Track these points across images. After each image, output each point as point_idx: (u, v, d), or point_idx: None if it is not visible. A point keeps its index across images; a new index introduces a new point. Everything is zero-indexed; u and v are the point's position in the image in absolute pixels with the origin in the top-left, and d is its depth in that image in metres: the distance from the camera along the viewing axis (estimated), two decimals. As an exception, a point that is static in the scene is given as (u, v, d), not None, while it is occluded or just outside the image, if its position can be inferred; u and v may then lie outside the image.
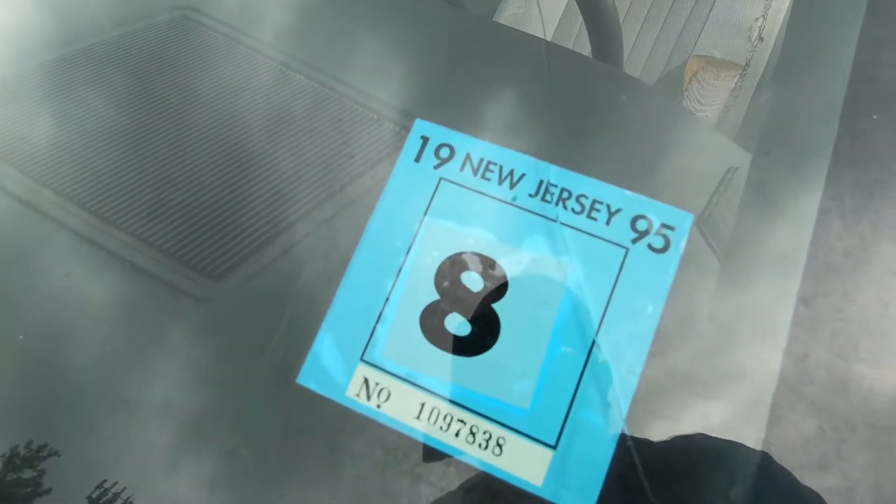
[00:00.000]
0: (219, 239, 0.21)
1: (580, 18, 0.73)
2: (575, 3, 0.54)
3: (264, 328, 0.19)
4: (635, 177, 0.18)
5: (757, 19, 1.05)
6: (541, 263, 0.17)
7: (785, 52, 0.22)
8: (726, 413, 0.16)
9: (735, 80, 1.12)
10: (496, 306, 0.17)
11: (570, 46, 0.88)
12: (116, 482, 0.18)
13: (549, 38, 0.92)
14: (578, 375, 0.16)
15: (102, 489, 0.18)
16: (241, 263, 0.21)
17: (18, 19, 0.38)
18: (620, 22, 0.98)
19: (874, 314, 0.17)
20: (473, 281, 0.17)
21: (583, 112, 0.22)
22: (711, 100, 1.16)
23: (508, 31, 0.29)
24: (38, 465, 0.18)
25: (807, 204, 0.17)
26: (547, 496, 0.16)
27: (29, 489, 0.18)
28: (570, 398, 0.16)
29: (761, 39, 1.05)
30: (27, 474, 0.18)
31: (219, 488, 0.17)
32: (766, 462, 0.16)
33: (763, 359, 0.16)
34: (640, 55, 1.06)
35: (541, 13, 0.81)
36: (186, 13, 0.36)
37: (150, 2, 0.37)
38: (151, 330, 0.21)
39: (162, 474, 0.18)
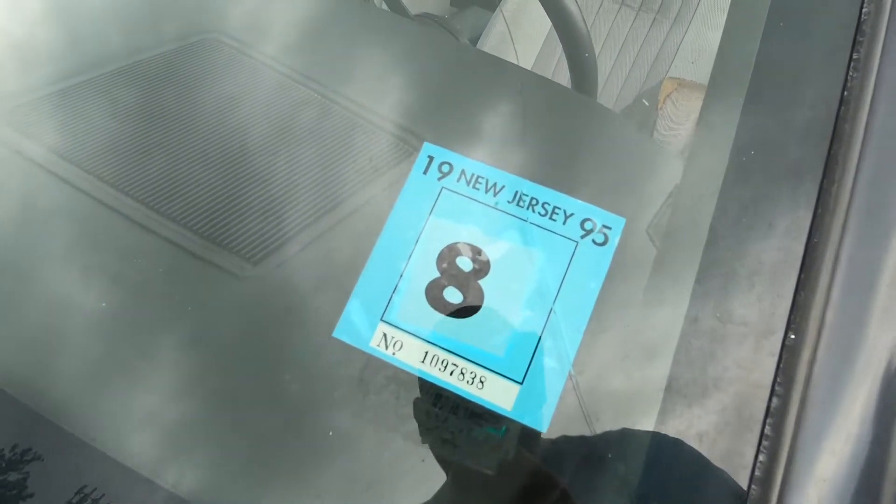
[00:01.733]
0: (263, 228, 0.27)
1: (558, 49, 0.80)
2: (554, 35, 0.60)
3: (308, 298, 0.25)
4: (585, 190, 0.25)
5: (727, 46, 1.13)
6: (515, 252, 0.24)
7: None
8: (645, 361, 0.23)
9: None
10: (481, 282, 0.24)
11: (549, 73, 0.96)
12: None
13: (530, 65, 0.99)
14: (540, 332, 0.23)
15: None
16: (282, 248, 0.27)
17: (70, 39, 0.44)
18: (599, 47, 1.05)
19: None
20: (465, 263, 0.24)
21: (551, 137, 0.29)
22: (683, 119, 1.24)
23: (502, 65, 0.35)
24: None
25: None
26: (515, 417, 0.22)
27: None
28: (533, 348, 0.23)
29: (731, 65, 1.13)
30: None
31: (276, 411, 0.23)
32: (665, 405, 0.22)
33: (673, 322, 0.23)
34: (618, 78, 1.13)
35: (514, 46, 0.88)
36: (217, 36, 0.42)
37: (185, 26, 0.43)
38: (206, 308, 0.27)
39: (232, 403, 0.24)
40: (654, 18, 1.18)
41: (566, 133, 0.30)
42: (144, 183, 0.32)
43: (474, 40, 1.02)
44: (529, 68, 0.97)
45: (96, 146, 0.35)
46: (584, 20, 0.57)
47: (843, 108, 0.24)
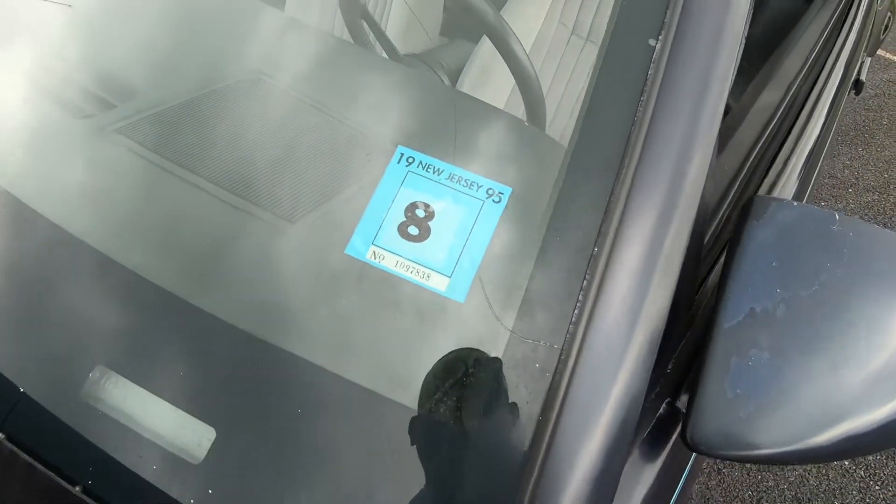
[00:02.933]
0: (302, 196, 0.45)
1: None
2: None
3: (330, 234, 0.43)
4: (492, 173, 0.43)
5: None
6: (448, 207, 0.42)
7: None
8: (512, 267, 0.41)
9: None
10: (430, 223, 0.42)
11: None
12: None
13: (506, 95, 1.17)
14: (461, 250, 0.41)
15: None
16: (314, 209, 0.45)
17: (139, 82, 0.60)
18: (552, 74, 1.23)
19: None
20: (420, 212, 0.42)
21: (475, 143, 0.48)
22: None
23: (463, 97, 0.53)
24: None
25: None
26: (446, 295, 0.40)
27: None
28: (457, 258, 0.41)
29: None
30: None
31: (310, 285, 0.41)
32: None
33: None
34: (569, 101, 1.33)
35: (492, 78, 1.07)
36: (259, 76, 0.60)
37: (231, 68, 0.60)
38: (257, 254, 0.45)
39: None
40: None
41: (488, 140, 0.49)
42: (223, 175, 0.50)
43: (459, 70, 1.21)
44: (505, 98, 1.16)
45: (182, 151, 0.53)
46: (531, 64, 0.76)
47: (633, 126, 0.42)
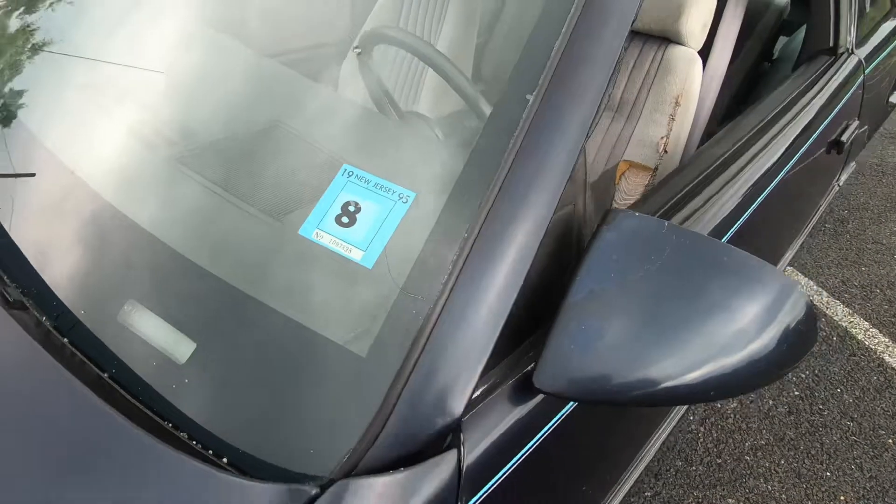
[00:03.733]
0: (278, 198, 0.65)
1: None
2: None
3: (293, 222, 0.62)
4: (404, 182, 0.61)
5: (662, 138, 1.50)
6: (372, 205, 0.60)
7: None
8: (409, 244, 0.58)
9: (648, 179, 1.56)
10: (357, 216, 0.60)
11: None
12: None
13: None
14: (374, 234, 0.59)
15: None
16: (292, 213, 0.64)
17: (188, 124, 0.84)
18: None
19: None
20: (353, 208, 0.60)
21: (399, 161, 0.66)
22: (633, 192, 1.60)
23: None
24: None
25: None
26: (360, 263, 0.57)
27: None
28: (372, 238, 0.58)
29: (665, 151, 1.49)
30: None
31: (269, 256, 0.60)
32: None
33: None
34: (588, 160, 1.51)
35: None
36: (277, 123, 0.82)
37: (253, 117, 0.81)
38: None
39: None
40: (613, 116, 1.57)
41: (408, 160, 0.67)
42: (239, 184, 0.71)
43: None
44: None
45: (213, 167, 0.75)
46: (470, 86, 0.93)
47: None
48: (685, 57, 1.44)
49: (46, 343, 0.58)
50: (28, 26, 0.91)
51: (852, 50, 1.48)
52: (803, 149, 1.21)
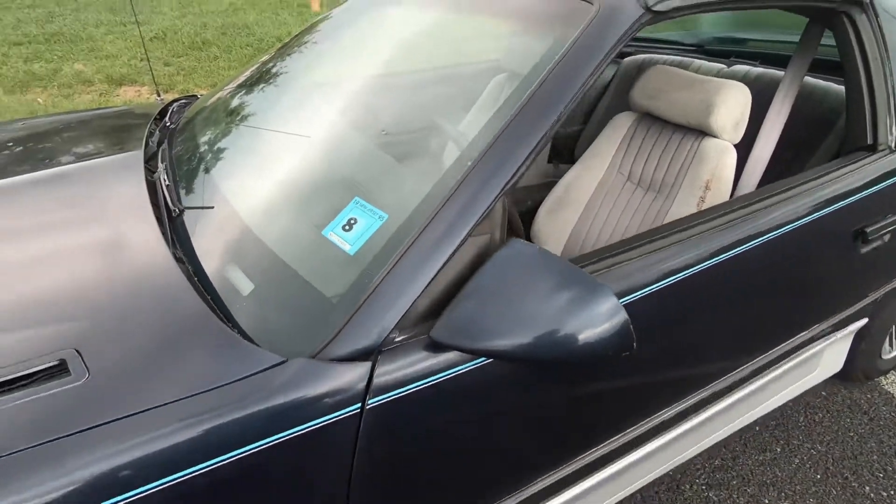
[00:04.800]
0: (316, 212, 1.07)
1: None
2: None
3: (320, 227, 1.03)
4: (384, 207, 0.99)
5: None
6: (363, 220, 0.99)
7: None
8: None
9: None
10: (354, 225, 0.99)
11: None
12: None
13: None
14: (360, 235, 0.97)
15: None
16: (324, 219, 1.06)
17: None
18: (609, 208, 1.76)
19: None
20: (353, 221, 1.00)
21: (386, 194, 1.04)
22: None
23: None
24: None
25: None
26: (348, 251, 0.95)
27: None
28: (357, 237, 0.96)
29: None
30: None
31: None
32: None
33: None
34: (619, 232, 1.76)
35: None
36: (350, 183, 1.26)
37: (336, 177, 1.28)
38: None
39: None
40: (655, 197, 1.82)
41: (390, 193, 1.05)
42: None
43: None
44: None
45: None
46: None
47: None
48: (717, 148, 1.65)
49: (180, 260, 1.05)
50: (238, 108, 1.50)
51: (895, 148, 1.55)
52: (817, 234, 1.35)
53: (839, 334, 1.79)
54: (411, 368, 0.88)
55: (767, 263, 1.33)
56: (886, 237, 1.52)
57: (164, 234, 1.14)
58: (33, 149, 1.70)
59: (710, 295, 1.24)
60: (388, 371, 0.87)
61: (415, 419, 0.90)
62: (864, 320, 1.86)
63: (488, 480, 1.03)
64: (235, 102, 1.65)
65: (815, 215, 1.37)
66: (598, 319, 0.81)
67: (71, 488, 0.67)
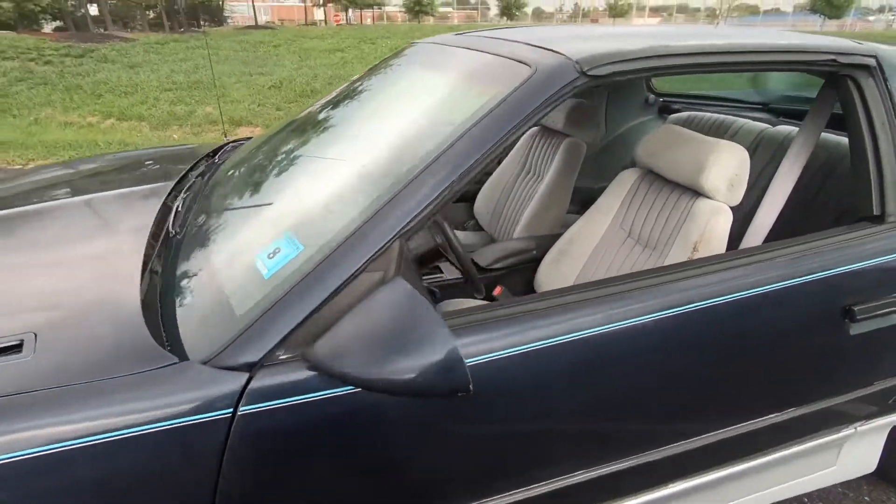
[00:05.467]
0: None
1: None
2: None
3: (252, 250, 1.16)
4: (302, 240, 1.10)
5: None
6: (284, 251, 1.10)
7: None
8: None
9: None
10: (277, 254, 1.11)
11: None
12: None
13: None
14: (277, 263, 1.08)
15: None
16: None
17: None
18: (609, 263, 1.80)
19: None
20: (276, 251, 1.12)
21: (304, 230, 1.15)
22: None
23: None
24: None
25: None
26: (265, 275, 1.07)
27: None
28: (274, 265, 1.08)
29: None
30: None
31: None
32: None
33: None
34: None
35: None
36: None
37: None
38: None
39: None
40: (650, 254, 1.79)
41: (310, 232, 1.15)
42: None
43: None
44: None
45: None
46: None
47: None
48: (709, 208, 1.59)
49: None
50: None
51: None
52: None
53: (860, 427, 1.60)
54: (288, 385, 0.96)
55: (725, 327, 1.26)
56: (882, 319, 1.36)
57: (148, 250, 1.33)
58: (101, 178, 2.04)
59: (631, 357, 1.20)
60: (266, 384, 0.95)
61: (284, 433, 0.97)
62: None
63: None
64: (257, 145, 1.87)
65: (785, 284, 1.28)
66: (434, 360, 0.85)
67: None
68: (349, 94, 1.82)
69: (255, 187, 1.52)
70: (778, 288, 1.26)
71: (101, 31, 19.50)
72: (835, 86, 1.49)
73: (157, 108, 8.74)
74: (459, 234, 2.81)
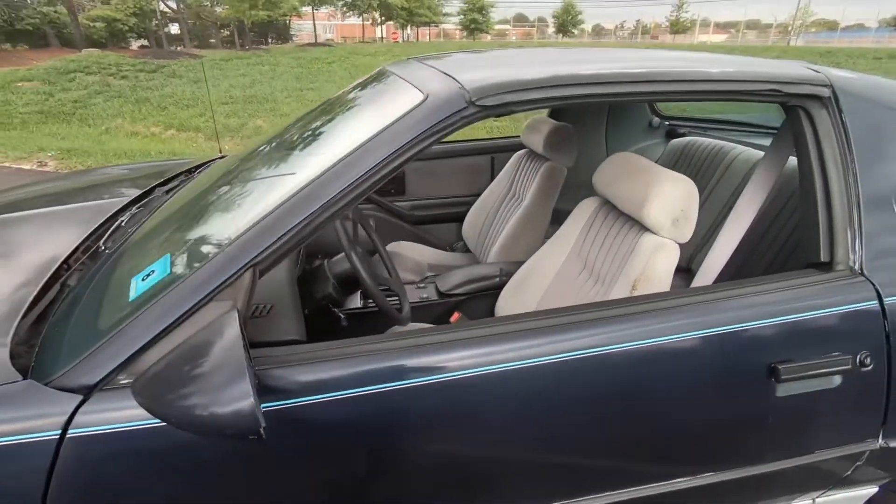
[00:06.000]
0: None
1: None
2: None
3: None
4: (177, 264, 1.09)
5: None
6: (158, 272, 1.10)
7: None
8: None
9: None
10: (150, 276, 1.11)
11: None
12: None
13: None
14: (147, 284, 1.08)
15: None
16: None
17: None
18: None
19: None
20: (151, 273, 1.11)
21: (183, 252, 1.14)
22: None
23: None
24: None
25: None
26: (131, 297, 1.06)
27: None
28: (144, 286, 1.07)
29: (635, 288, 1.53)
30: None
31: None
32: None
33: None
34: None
35: None
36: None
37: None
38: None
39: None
40: (595, 283, 1.69)
41: (186, 255, 1.14)
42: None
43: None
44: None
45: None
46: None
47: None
48: (651, 245, 1.47)
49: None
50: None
51: (861, 271, 1.23)
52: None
53: (819, 499, 1.42)
54: (122, 412, 0.95)
55: (619, 378, 1.15)
56: (808, 380, 1.19)
57: (67, 261, 1.38)
58: (70, 193, 2.13)
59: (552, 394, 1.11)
60: (98, 408, 0.94)
61: (109, 460, 0.95)
62: (874, 488, 1.45)
63: None
64: (217, 166, 1.91)
65: (699, 333, 1.16)
66: (229, 401, 0.82)
67: None
68: (297, 120, 1.83)
69: (181, 208, 1.54)
70: (690, 338, 1.14)
71: (177, 48, 20.86)
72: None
73: (213, 120, 9.20)
74: (447, 255, 2.76)
